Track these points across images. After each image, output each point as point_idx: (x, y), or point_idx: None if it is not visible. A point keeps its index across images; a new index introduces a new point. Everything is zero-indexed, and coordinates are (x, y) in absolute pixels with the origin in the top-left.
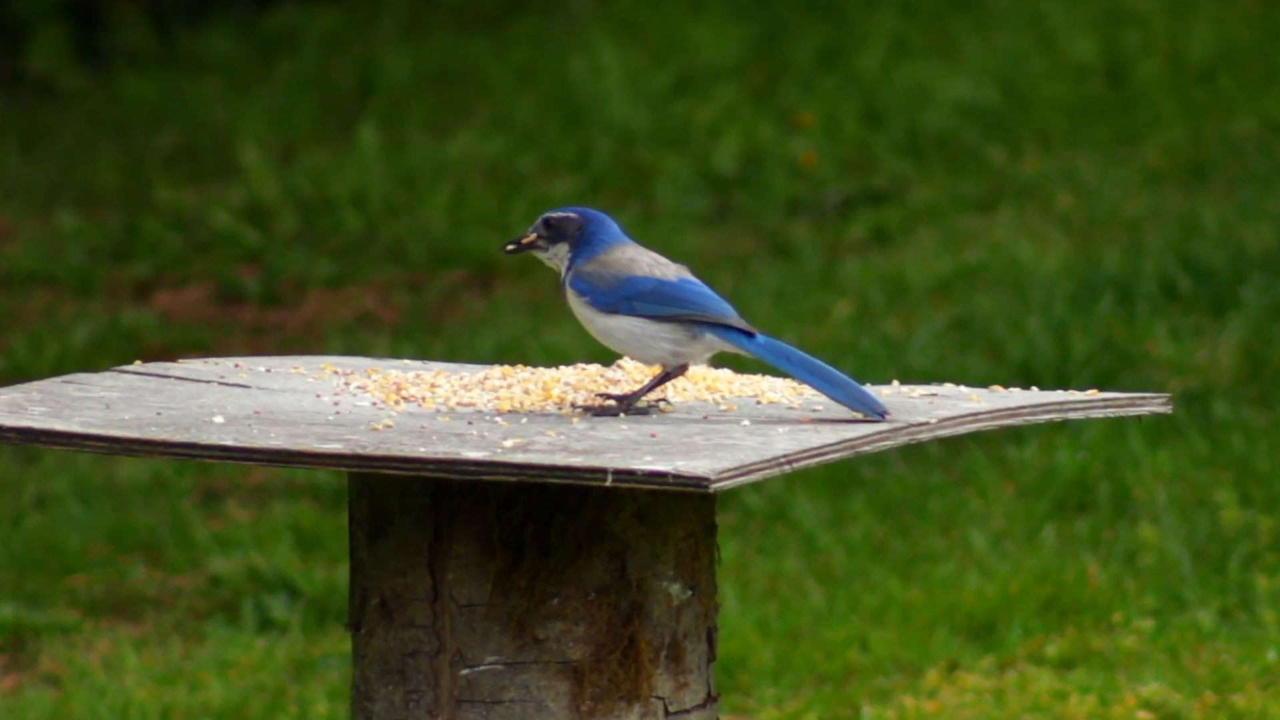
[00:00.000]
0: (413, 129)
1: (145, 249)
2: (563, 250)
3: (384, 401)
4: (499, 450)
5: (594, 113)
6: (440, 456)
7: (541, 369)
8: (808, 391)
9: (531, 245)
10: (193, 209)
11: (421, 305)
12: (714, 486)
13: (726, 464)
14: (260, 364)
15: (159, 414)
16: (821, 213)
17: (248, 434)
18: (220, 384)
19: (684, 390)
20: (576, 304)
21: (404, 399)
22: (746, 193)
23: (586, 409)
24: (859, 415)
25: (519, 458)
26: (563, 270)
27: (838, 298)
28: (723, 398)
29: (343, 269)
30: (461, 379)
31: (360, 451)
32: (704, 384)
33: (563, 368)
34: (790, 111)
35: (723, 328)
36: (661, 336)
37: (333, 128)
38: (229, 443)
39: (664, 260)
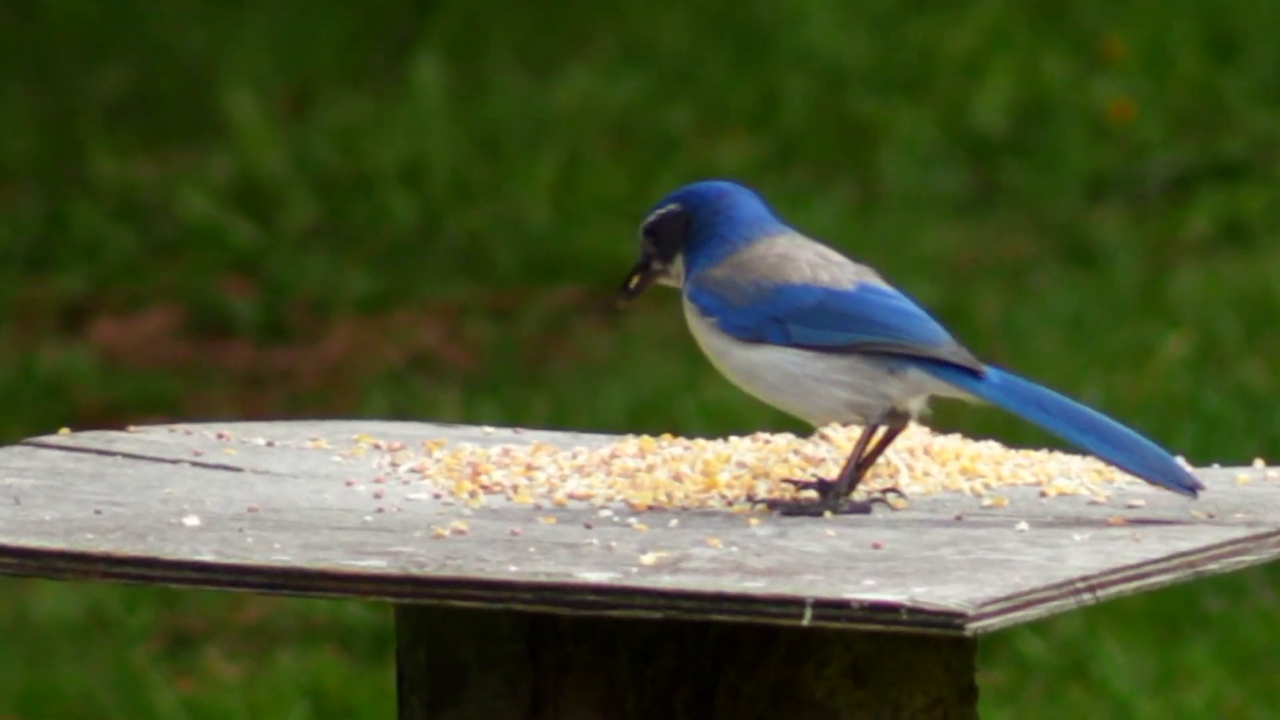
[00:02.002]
0: (497, 64)
1: (77, 251)
2: (681, 261)
3: (453, 493)
4: (634, 570)
5: (783, 40)
6: (542, 581)
7: (701, 441)
8: (1121, 477)
9: (652, 273)
10: (151, 189)
11: (512, 341)
12: (973, 626)
13: (992, 591)
14: (258, 433)
15: (98, 512)
16: (1142, 195)
17: (237, 544)
18: (195, 465)
19: (925, 475)
20: (700, 328)
21: (484, 489)
22: (1022, 164)
23: (772, 504)
24: (1171, 494)
25: (666, 582)
26: (683, 283)
27: (1167, 328)
28: (987, 486)
29: (387, 284)
30: (575, 457)
31: (416, 572)
32: (957, 464)
33: (734, 439)
34: (1091, 35)
35: (931, 363)
36: (833, 378)
37: (371, 62)
38: (208, 558)
39: (835, 257)
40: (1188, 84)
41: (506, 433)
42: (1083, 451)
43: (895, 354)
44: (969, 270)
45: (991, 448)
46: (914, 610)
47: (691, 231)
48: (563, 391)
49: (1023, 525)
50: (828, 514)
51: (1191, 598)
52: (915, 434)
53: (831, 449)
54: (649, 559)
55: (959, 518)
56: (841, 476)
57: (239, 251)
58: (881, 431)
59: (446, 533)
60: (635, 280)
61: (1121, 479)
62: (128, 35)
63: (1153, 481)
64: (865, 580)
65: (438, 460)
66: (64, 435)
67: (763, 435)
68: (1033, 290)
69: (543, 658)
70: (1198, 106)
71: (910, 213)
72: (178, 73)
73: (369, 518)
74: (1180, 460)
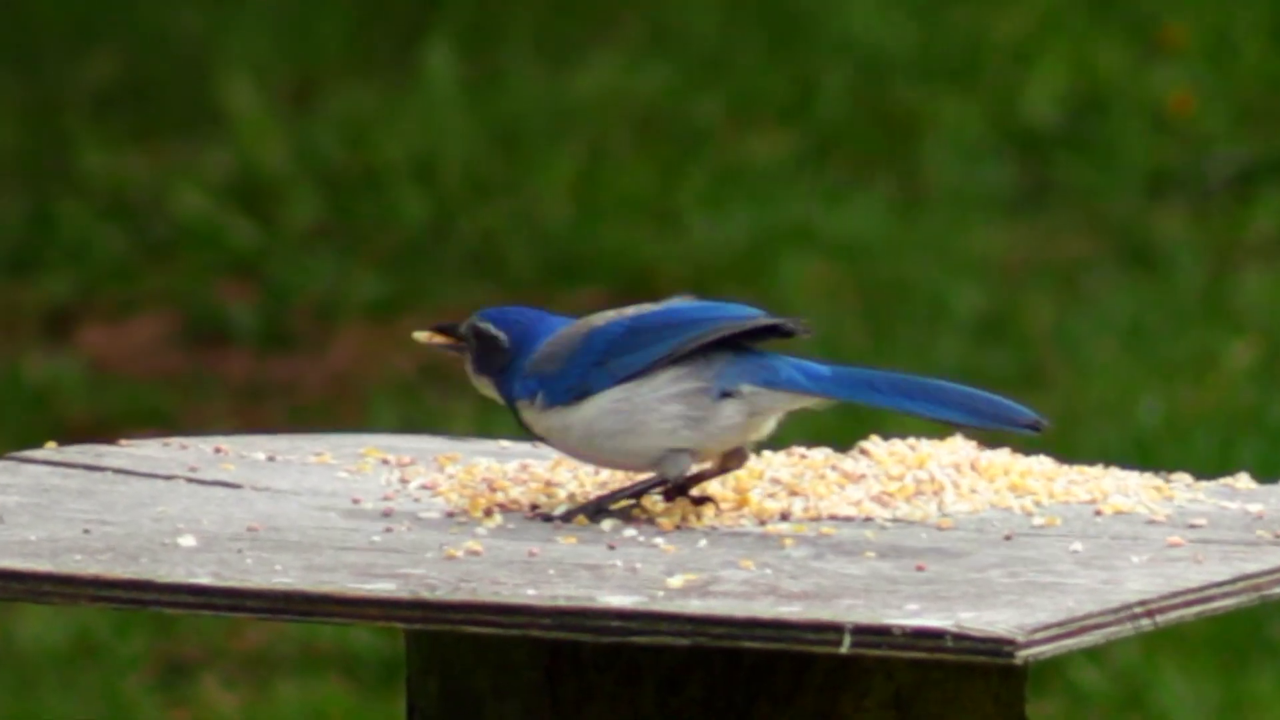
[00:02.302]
0: (514, 52)
1: (63, 253)
2: (491, 381)
3: (467, 511)
4: (660, 593)
5: (820, 25)
6: (562, 605)
7: None
8: (1182, 494)
9: (454, 347)
10: (143, 186)
11: None
12: (1023, 654)
13: (1044, 616)
14: (258, 447)
15: (87, 531)
16: (1204, 192)
17: (236, 566)
18: (190, 481)
19: (972, 492)
20: (531, 419)
21: (500, 506)
22: (1076, 159)
23: (560, 516)
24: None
25: (694, 606)
26: (499, 396)
27: (1232, 335)
28: (1038, 503)
29: (397, 287)
30: (598, 473)
31: (427, 596)
32: (1006, 480)
33: (767, 454)
34: (1150, 21)
35: (764, 365)
36: (664, 394)
37: (379, 50)
38: (205, 581)
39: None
40: (1253, 74)
41: (524, 447)
42: (914, 418)
43: (726, 367)
44: (1019, 274)
45: (1043, 463)
46: (960, 637)
47: (513, 352)
48: None
49: (1076, 546)
50: (583, 520)
51: (1257, 623)
52: (962, 449)
53: (872, 464)
54: (676, 582)
55: (1008, 538)
56: (611, 495)
57: (237, 253)
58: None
59: (460, 554)
60: (444, 340)
61: (1182, 497)
62: (117, 19)
63: (989, 429)
64: (908, 604)
65: (451, 476)
66: (50, 449)
67: (798, 449)
68: (1088, 295)
69: (562, 688)
70: (1264, 98)
71: (956, 212)
72: (171, 60)
73: (377, 538)
74: (1020, 404)
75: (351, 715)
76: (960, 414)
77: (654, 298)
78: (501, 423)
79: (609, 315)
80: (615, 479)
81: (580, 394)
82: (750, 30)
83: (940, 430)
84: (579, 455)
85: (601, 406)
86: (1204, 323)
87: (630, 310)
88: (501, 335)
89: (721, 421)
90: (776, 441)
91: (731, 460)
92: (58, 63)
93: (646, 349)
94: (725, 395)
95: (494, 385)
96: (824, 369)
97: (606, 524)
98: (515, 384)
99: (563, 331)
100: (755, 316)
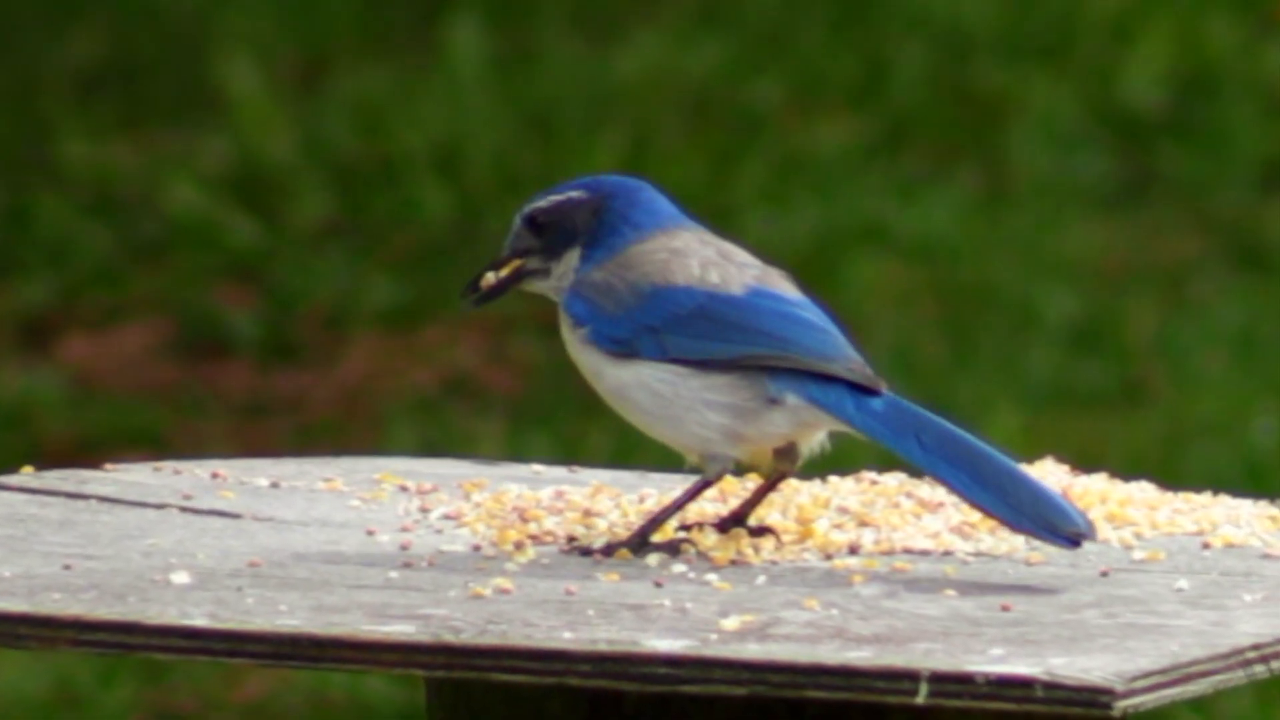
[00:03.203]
0: (549, 27)
1: (42, 253)
2: (573, 260)
3: (496, 543)
4: (713, 637)
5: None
6: (603, 650)
7: (793, 481)
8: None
9: (523, 274)
10: (131, 179)
11: (566, 361)
12: (1122, 704)
13: (1145, 663)
14: (260, 472)
15: (68, 567)
16: None
17: (236, 605)
18: (184, 510)
19: None
20: (572, 342)
21: (533, 539)
22: (1181, 147)
23: (600, 550)
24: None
25: (752, 651)
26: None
27: None
28: (1139, 535)
29: (416, 293)
30: (642, 501)
31: (451, 639)
32: (1103, 509)
33: (834, 479)
34: None
35: (815, 384)
36: (708, 398)
37: (397, 25)
38: (200, 622)
39: (740, 257)
40: None
41: (560, 472)
42: (947, 489)
43: (781, 370)
44: (1118, 276)
45: (1145, 489)
46: (1051, 685)
47: (598, 223)
48: (627, 422)
49: (1182, 583)
50: (627, 554)
51: None
52: (1053, 473)
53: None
54: (731, 623)
55: (1105, 574)
56: (653, 520)
57: (237, 253)
58: (711, 479)
59: (488, 592)
60: (495, 277)
61: None
62: None
63: (1019, 529)
64: (992, 649)
65: (477, 505)
66: (27, 475)
67: (868, 475)
68: (1195, 301)
69: None
70: None
71: (1047, 206)
72: (163, 38)
73: (394, 574)
74: (1071, 506)
75: None
76: (996, 502)
77: None
78: (534, 445)
79: (691, 270)
80: (659, 503)
81: (626, 352)
82: (814, 3)
83: (1028, 452)
84: (606, 401)
85: (641, 378)
86: None
87: (713, 275)
88: (580, 194)
89: (762, 429)
90: (845, 466)
91: (784, 460)
92: (36, 41)
93: (708, 340)
94: (772, 402)
95: (575, 268)
96: (878, 403)
97: (652, 559)
98: (572, 295)
99: (639, 257)
100: (833, 361)
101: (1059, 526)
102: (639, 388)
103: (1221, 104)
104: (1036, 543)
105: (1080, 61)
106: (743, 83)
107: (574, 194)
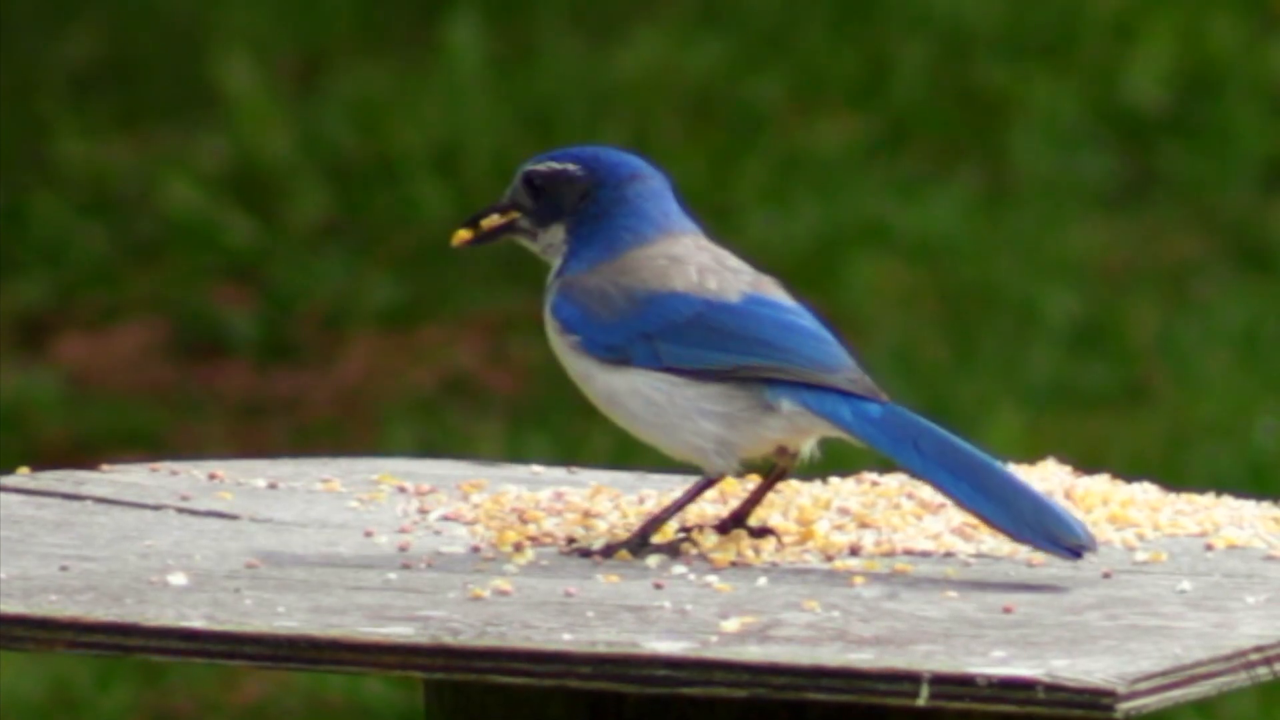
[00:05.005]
0: (549, 25)
1: (37, 253)
2: (558, 235)
3: (495, 544)
4: (714, 639)
5: None
6: (603, 652)
7: (794, 483)
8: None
9: (515, 229)
10: (128, 177)
11: None
12: (1125, 707)
13: (1148, 665)
14: (258, 473)
15: (64, 569)
16: None
17: (233, 607)
18: (181, 511)
19: None
20: (560, 347)
21: (532, 540)
22: (1184, 146)
23: (600, 551)
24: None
25: (752, 653)
26: (551, 278)
27: None
28: (1141, 537)
29: (415, 292)
30: (642, 502)
31: (449, 641)
32: (1105, 510)
33: (835, 480)
34: None
35: (812, 392)
36: (703, 407)
37: (396, 23)
38: (198, 624)
39: (733, 263)
40: None
41: (560, 473)
42: (944, 497)
43: (778, 380)
44: (1120, 275)
45: (1147, 491)
46: (1053, 687)
47: (585, 208)
48: None
49: (1184, 584)
50: (621, 555)
51: None
52: (1055, 474)
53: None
54: (732, 625)
55: (1107, 575)
56: (649, 523)
57: (234, 253)
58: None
59: (486, 593)
60: (489, 223)
61: None
62: None
63: (1020, 539)
64: (993, 651)
65: (476, 506)
66: (23, 475)
67: (869, 476)
68: (1197, 301)
69: None
70: None
71: (1049, 205)
72: (160, 36)
73: (393, 576)
74: (1075, 517)
75: None
76: (997, 512)
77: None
78: (533, 446)
79: (689, 276)
80: (659, 504)
81: (620, 359)
82: (815, 1)
83: (1030, 453)
84: (595, 404)
85: (634, 386)
86: None
87: (711, 283)
88: (574, 168)
89: (757, 435)
90: (846, 467)
91: (783, 457)
92: (32, 39)
93: (704, 349)
94: (768, 408)
95: (562, 249)
96: (875, 409)
97: (652, 560)
98: (561, 295)
99: (635, 262)
100: (834, 372)
101: (1061, 538)
102: (631, 395)
103: (1224, 103)
104: (1038, 549)
105: (1082, 60)
106: (743, 81)
107: (570, 167)
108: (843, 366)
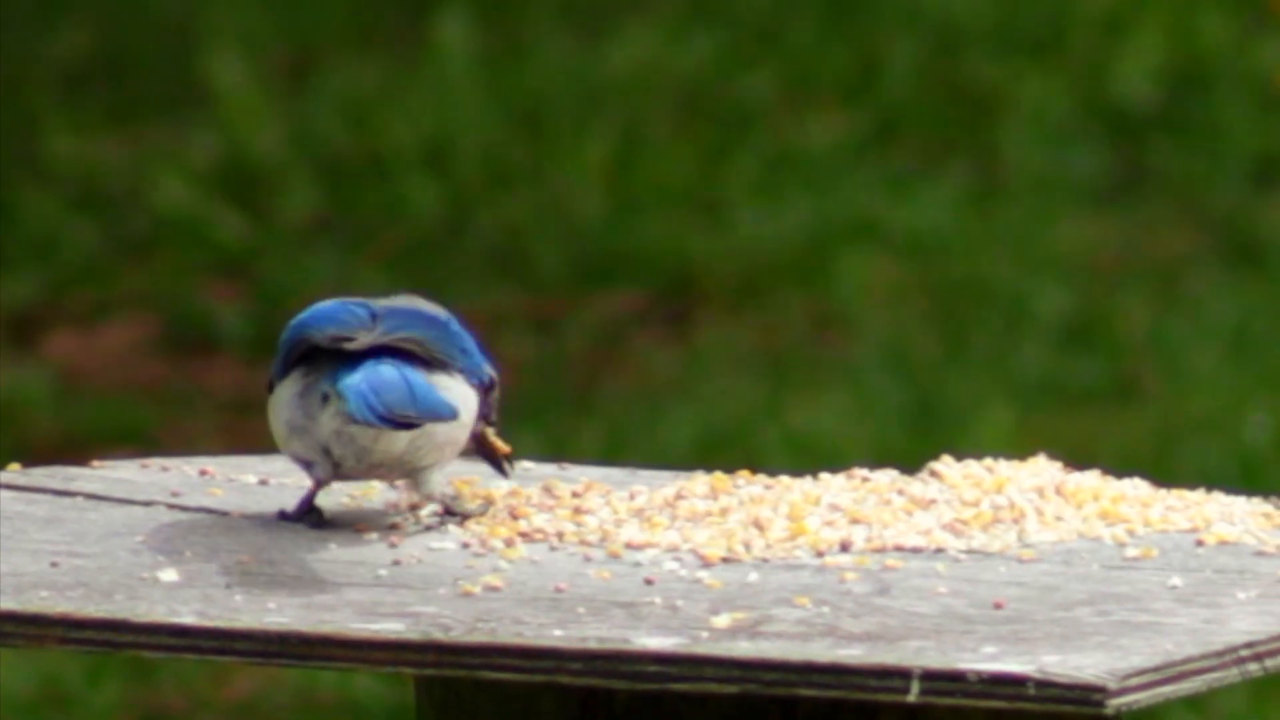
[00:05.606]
0: (539, 22)
1: (27, 250)
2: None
3: (485, 540)
4: (704, 634)
5: None
6: (593, 648)
7: (785, 479)
8: None
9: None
10: (118, 174)
11: (558, 356)
12: (1115, 703)
13: (1138, 660)
14: (248, 469)
15: (55, 565)
16: None
17: (224, 604)
18: (172, 507)
19: (1058, 520)
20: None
21: (523, 536)
22: (1175, 143)
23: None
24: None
25: (742, 649)
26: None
27: None
28: (1132, 533)
29: (406, 288)
30: (633, 499)
31: (440, 637)
32: (1095, 506)
33: (825, 476)
34: None
35: (333, 370)
36: (283, 398)
37: (387, 19)
38: (188, 620)
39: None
40: None
41: (550, 469)
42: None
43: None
44: (1111, 271)
45: (1138, 486)
46: (1044, 683)
47: None
48: (618, 418)
49: (1175, 580)
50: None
51: None
52: (1045, 471)
53: (944, 488)
54: (722, 621)
55: (1098, 571)
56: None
57: (225, 249)
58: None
59: (477, 589)
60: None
61: None
62: None
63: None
64: (984, 647)
65: (468, 502)
66: (13, 472)
67: (860, 471)
68: (1188, 297)
69: None
70: None
71: (1039, 201)
72: (150, 32)
73: (383, 571)
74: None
75: None
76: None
77: (696, 300)
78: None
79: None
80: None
81: (271, 384)
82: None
83: (1020, 449)
84: None
85: (270, 402)
86: None
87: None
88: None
89: (324, 430)
90: (836, 463)
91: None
92: (22, 35)
93: (282, 349)
94: (324, 399)
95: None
96: (363, 373)
97: (645, 555)
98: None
99: None
100: (323, 329)
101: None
102: (271, 414)
103: (1215, 99)
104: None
105: (1072, 56)
106: (733, 77)
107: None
108: (337, 326)
